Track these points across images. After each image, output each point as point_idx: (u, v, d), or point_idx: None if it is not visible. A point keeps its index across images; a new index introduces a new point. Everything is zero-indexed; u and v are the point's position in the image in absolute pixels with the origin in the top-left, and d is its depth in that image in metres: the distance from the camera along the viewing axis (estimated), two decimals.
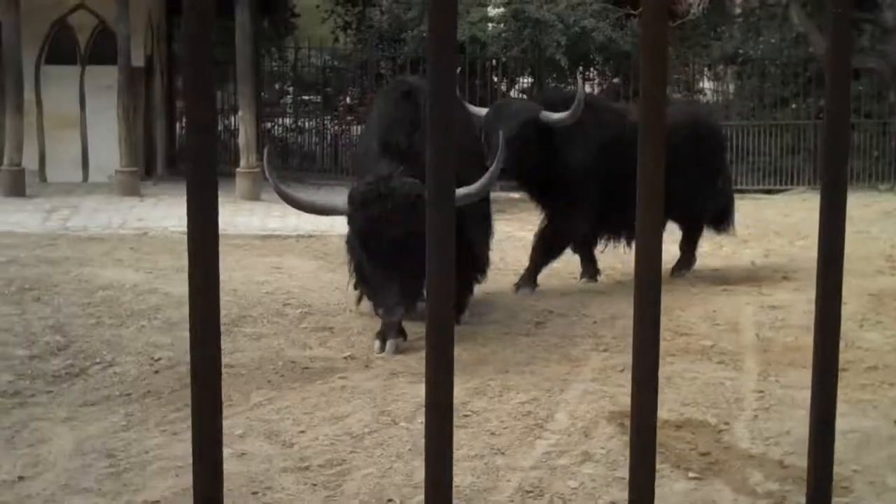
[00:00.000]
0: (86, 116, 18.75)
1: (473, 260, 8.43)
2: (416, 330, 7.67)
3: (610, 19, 23.52)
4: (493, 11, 25.16)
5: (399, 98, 8.19)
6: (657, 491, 5.06)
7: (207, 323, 1.27)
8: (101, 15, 18.44)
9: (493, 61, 23.49)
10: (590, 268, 10.85)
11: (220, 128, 23.77)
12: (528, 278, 10.12)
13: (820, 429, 1.70)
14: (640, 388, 1.45)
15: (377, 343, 7.69)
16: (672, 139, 10.20)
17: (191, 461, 5.27)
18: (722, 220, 11.60)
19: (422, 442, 5.56)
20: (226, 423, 5.91)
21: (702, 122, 11.58)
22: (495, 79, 23.84)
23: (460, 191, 7.35)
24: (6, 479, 5.28)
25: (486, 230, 9.13)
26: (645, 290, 1.44)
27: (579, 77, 11.20)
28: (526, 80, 24.27)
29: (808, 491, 1.74)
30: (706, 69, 25.51)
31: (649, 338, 1.46)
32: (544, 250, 10.24)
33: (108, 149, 17.87)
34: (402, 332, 7.81)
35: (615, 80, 24.56)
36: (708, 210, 11.29)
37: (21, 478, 5.31)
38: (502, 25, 23.69)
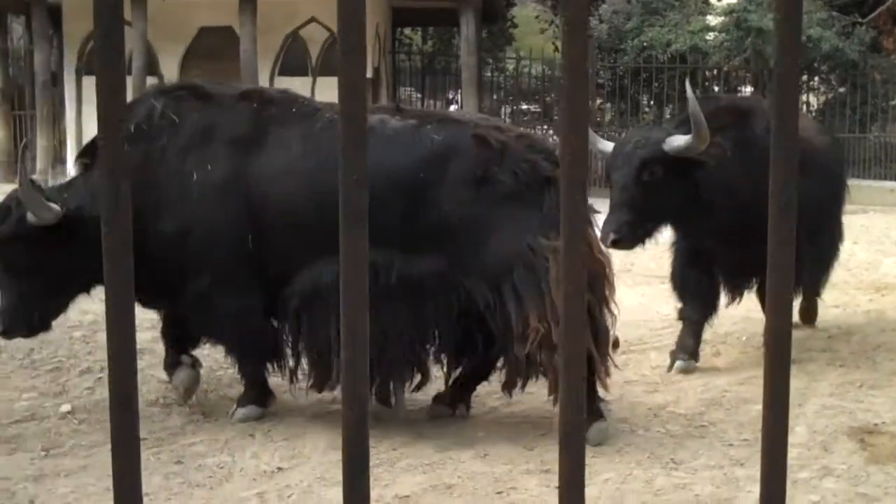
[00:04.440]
0: None
1: None
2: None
3: (836, 27, 22.94)
4: (714, 20, 24.90)
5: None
6: None
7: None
8: (331, 28, 19.09)
9: (715, 71, 23.27)
10: None
11: None
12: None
13: None
14: None
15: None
16: None
17: (436, 459, 5.51)
18: None
19: (659, 450, 5.66)
20: (467, 425, 6.19)
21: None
22: (716, 89, 23.60)
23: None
24: (266, 470, 5.63)
25: None
26: None
27: (688, 84, 7.97)
28: (747, 90, 23.92)
29: None
30: None
31: None
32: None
33: None
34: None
35: (841, 90, 23.94)
36: None
37: (280, 469, 5.65)
38: (724, 34, 23.41)
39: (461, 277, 6.06)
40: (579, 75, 1.28)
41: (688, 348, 7.72)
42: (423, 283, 6.10)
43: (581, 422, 1.51)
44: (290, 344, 6.45)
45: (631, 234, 6.95)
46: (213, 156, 6.29)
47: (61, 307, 6.52)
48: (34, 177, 6.91)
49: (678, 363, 7.65)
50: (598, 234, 6.63)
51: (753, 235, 7.59)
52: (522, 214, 6.03)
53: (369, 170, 5.81)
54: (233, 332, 6.42)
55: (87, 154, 6.66)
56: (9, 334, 6.47)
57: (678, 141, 6.91)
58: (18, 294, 6.27)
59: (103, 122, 1.04)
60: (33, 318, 6.34)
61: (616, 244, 6.89)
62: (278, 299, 6.28)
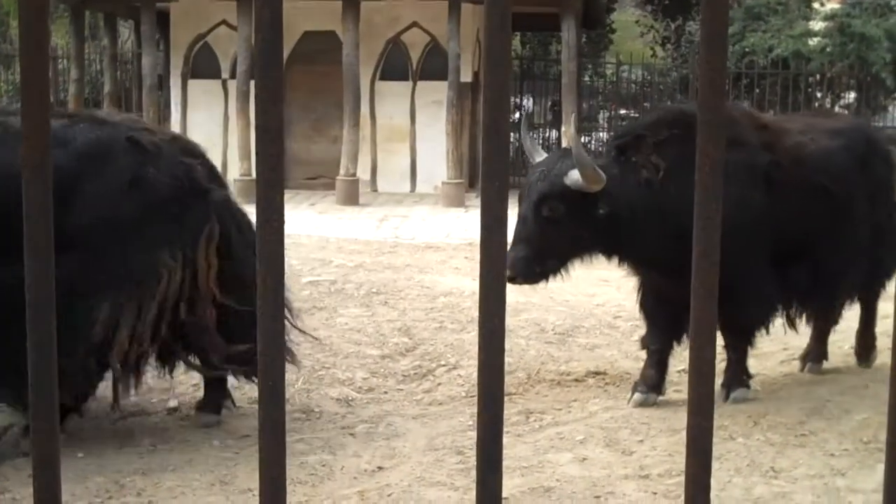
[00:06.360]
0: (415, 130, 19.59)
1: None
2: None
3: None
4: (817, 26, 24.56)
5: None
6: None
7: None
8: (432, 33, 19.21)
9: (817, 76, 22.95)
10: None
11: (538, 142, 24.30)
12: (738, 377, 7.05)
13: None
14: None
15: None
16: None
17: (534, 462, 5.54)
18: None
19: (760, 458, 5.61)
20: (566, 429, 6.23)
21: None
22: (818, 94, 23.29)
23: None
24: (367, 469, 5.71)
25: None
26: None
27: (572, 118, 6.72)
28: (850, 96, 23.56)
29: None
30: None
31: None
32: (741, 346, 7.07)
33: (434, 161, 18.69)
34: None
35: None
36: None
37: (380, 468, 5.72)
38: (827, 40, 23.08)
39: (92, 289, 5.66)
40: (717, 87, 1.31)
41: (648, 380, 6.89)
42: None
43: (710, 427, 1.55)
44: None
45: (527, 270, 6.35)
46: None
47: None
48: None
49: (636, 396, 6.86)
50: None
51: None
52: (163, 226, 5.80)
53: (8, 171, 4.70)
54: None
55: None
56: None
57: (577, 175, 6.22)
58: None
59: (261, 131, 1.11)
60: None
61: (512, 281, 6.19)
62: None
